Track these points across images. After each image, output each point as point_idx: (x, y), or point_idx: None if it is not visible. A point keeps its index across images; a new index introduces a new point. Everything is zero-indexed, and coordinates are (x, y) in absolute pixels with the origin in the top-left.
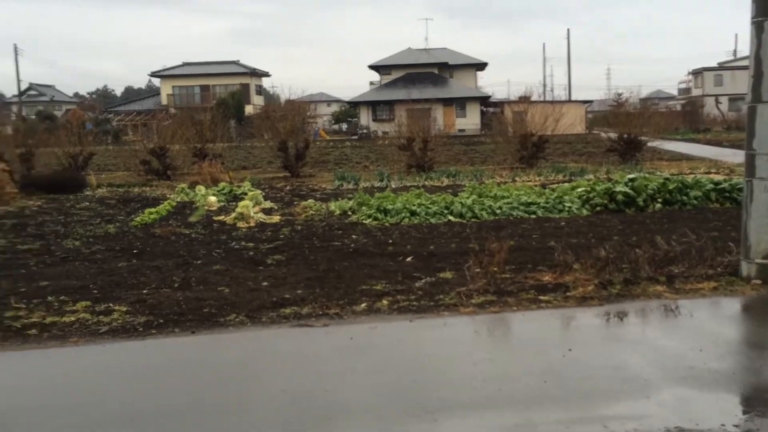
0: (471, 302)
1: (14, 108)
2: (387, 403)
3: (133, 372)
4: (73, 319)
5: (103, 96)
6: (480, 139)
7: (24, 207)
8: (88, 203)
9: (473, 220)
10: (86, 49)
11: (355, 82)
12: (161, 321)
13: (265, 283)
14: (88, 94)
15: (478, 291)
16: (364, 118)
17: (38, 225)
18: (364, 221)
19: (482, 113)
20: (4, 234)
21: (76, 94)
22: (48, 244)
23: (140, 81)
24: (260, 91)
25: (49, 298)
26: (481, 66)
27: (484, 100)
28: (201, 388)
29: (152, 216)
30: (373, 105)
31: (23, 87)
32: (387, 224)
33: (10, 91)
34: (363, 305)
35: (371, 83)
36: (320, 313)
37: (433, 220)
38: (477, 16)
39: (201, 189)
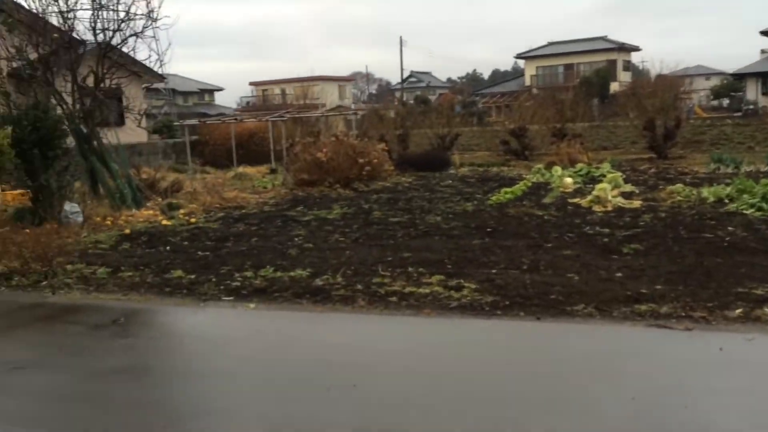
0: None
1: (397, 94)
2: None
3: (476, 350)
4: (427, 291)
5: (472, 80)
6: None
7: (398, 183)
8: (450, 181)
9: None
10: (459, 36)
11: (741, 51)
12: (507, 303)
13: (618, 274)
14: (459, 78)
15: None
16: (752, 91)
17: (407, 200)
18: (744, 211)
19: None
20: (380, 207)
21: (449, 79)
22: (413, 217)
23: (506, 63)
24: (628, 67)
25: (410, 269)
26: None
27: None
28: (539, 378)
29: (507, 195)
30: (764, 76)
31: (405, 75)
32: None
33: (395, 78)
34: (738, 311)
35: (762, 51)
36: (682, 314)
37: None
38: None
39: (557, 170)
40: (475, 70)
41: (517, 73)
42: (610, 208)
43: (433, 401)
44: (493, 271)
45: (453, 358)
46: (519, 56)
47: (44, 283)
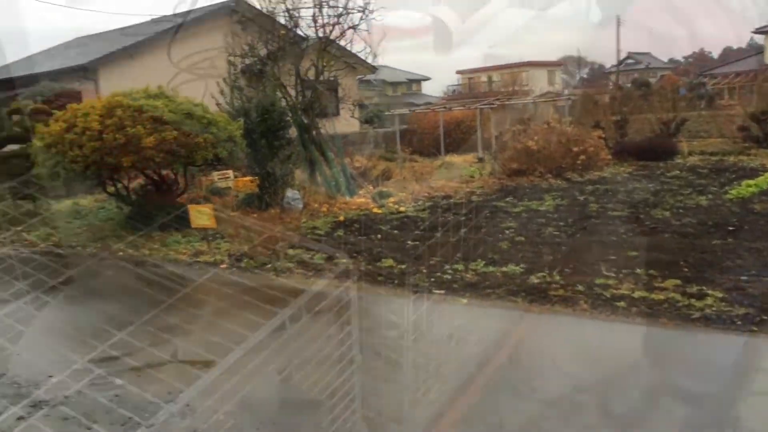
0: None
1: (612, 77)
2: None
3: (729, 372)
4: (662, 297)
5: (699, 59)
6: None
7: (616, 173)
8: (678, 171)
9: None
10: (683, 12)
11: None
12: (764, 317)
13: None
14: (683, 58)
15: None
16: None
17: (628, 192)
18: None
19: None
20: (596, 198)
21: (671, 60)
22: (637, 212)
23: (739, 40)
24: None
25: (638, 270)
26: None
27: None
28: None
29: (751, 189)
30: None
31: (621, 56)
32: None
33: (609, 61)
34: None
35: None
36: None
37: None
38: None
39: None
40: (702, 48)
41: (754, 50)
42: None
43: None
44: (743, 277)
45: (703, 378)
46: (758, 31)
47: (269, 266)
